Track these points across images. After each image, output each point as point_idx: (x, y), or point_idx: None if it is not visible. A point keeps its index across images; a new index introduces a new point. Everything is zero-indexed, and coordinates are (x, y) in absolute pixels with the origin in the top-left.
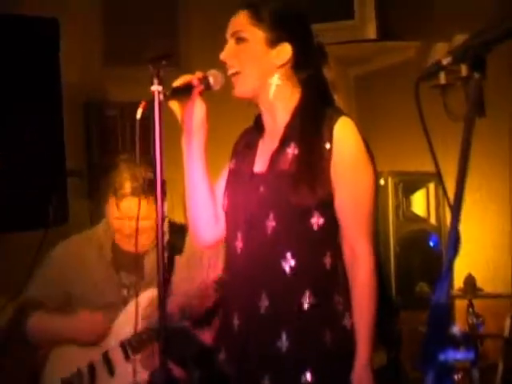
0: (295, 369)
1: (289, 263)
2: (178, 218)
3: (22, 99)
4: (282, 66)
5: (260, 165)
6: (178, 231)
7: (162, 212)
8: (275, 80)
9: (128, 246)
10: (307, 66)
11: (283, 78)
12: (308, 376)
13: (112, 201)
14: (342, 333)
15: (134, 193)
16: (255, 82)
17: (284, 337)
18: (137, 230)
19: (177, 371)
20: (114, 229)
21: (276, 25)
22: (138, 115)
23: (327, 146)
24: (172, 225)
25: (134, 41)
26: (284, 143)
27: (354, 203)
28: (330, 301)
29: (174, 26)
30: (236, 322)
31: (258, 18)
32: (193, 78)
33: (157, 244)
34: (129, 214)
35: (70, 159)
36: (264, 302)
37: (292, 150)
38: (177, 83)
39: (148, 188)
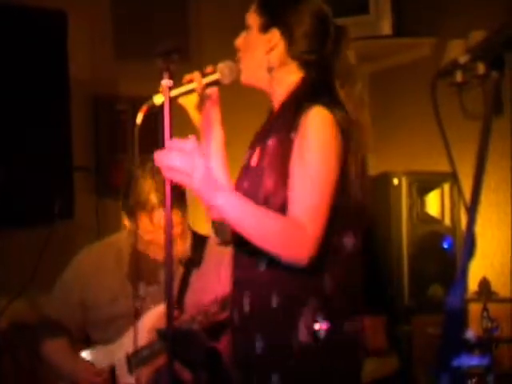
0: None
1: (264, 261)
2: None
3: (28, 92)
4: (270, 51)
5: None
6: (199, 243)
7: (170, 218)
8: (268, 66)
9: (160, 255)
10: (308, 53)
11: (277, 66)
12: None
13: (143, 215)
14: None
15: (162, 204)
16: (253, 69)
17: (259, 338)
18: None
19: (184, 373)
20: (147, 241)
21: (263, 10)
22: (139, 120)
23: (292, 135)
24: (194, 236)
25: (144, 34)
26: (267, 136)
27: (300, 188)
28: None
29: (185, 20)
30: (234, 320)
31: (258, 4)
32: (194, 81)
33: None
34: (162, 225)
35: (78, 154)
36: (246, 300)
37: (271, 143)
38: (176, 91)
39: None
